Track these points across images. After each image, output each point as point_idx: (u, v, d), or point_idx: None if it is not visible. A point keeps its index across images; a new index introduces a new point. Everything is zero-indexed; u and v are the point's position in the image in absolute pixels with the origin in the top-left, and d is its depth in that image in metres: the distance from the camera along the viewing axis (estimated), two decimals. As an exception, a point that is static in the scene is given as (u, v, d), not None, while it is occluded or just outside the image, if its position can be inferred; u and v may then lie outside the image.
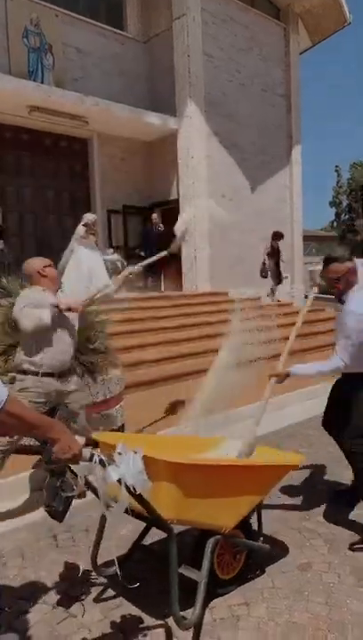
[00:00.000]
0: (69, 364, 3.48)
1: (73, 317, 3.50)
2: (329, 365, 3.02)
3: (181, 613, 2.09)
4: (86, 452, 1.73)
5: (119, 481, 1.76)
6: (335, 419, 3.21)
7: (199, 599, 2.17)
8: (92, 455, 1.76)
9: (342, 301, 3.09)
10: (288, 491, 3.63)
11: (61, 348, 3.37)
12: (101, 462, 1.77)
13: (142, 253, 10.87)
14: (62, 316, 3.33)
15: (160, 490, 2.04)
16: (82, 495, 2.96)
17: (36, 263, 3.49)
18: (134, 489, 1.78)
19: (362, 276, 3.05)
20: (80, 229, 8.50)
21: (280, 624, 2.27)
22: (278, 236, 11.53)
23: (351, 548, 2.87)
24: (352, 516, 3.21)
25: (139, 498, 1.85)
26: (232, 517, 2.39)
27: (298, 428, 5.09)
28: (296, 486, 3.70)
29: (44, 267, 3.47)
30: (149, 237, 11.11)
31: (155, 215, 11.52)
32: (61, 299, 3.41)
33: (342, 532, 3.04)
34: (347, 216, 32.30)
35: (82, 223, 8.40)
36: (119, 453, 1.82)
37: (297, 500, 3.50)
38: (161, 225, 11.16)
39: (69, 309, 3.33)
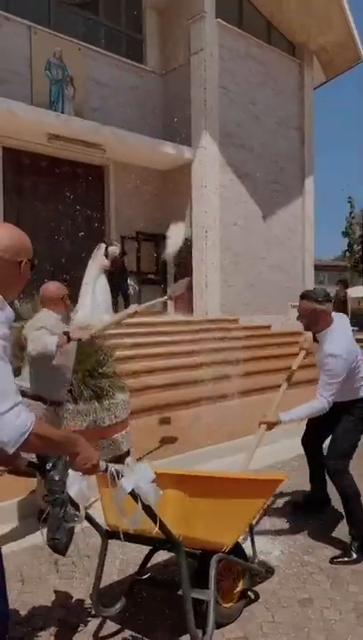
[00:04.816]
0: (64, 396, 3.56)
1: (72, 349, 3.55)
2: (316, 407, 3.15)
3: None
4: (103, 463, 1.77)
5: (132, 494, 1.81)
6: (315, 438, 3.60)
7: (211, 617, 2.18)
8: (108, 467, 1.80)
9: (316, 340, 3.34)
10: (290, 524, 3.60)
11: (59, 378, 3.45)
12: (117, 473, 1.82)
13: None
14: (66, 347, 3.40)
15: (166, 504, 2.08)
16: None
17: (57, 289, 3.55)
18: (146, 500, 1.84)
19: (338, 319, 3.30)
20: (105, 262, 8.76)
21: (279, 660, 2.23)
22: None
23: (332, 561, 3.05)
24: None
25: (148, 510, 1.90)
26: (231, 534, 2.45)
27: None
28: (298, 520, 3.67)
29: (64, 296, 3.55)
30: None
31: (113, 248, 9.91)
32: (73, 329, 3.50)
33: (344, 567, 3.00)
34: (360, 246, 32.34)
35: (103, 253, 8.68)
36: (127, 465, 1.89)
37: (299, 534, 3.46)
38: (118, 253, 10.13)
39: (80, 339, 3.40)
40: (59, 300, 3.53)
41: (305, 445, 3.73)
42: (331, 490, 3.50)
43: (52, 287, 3.56)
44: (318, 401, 3.13)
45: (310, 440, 3.68)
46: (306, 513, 3.71)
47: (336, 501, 3.82)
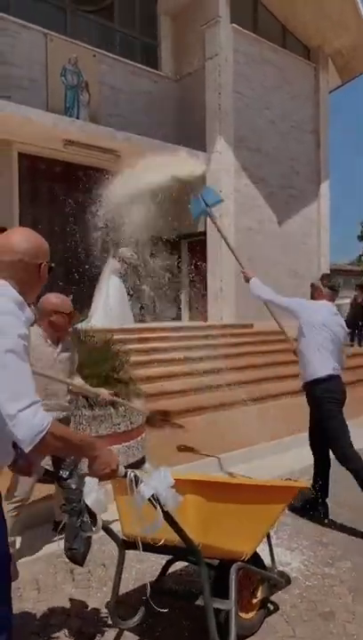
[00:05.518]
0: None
1: (63, 359, 3.32)
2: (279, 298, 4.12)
3: None
4: (122, 468, 1.73)
5: (151, 500, 1.78)
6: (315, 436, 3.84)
7: (232, 627, 2.13)
8: (127, 472, 1.77)
9: None
10: (310, 536, 3.52)
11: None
12: (136, 479, 1.78)
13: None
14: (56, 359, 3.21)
15: (185, 512, 2.04)
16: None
17: (51, 303, 3.22)
18: (165, 506, 1.81)
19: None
20: (116, 264, 8.82)
21: None
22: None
23: None
24: None
25: (167, 516, 1.86)
26: (251, 542, 2.39)
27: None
28: (318, 531, 3.59)
29: (55, 312, 3.21)
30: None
31: (124, 250, 9.59)
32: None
33: (367, 580, 2.93)
34: (375, 250, 32.08)
35: (116, 258, 8.76)
36: (146, 472, 1.86)
37: (317, 545, 3.38)
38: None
39: None
40: (50, 313, 3.19)
41: (312, 444, 3.94)
42: (338, 497, 3.51)
43: (48, 300, 3.25)
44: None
45: (314, 438, 3.89)
46: (304, 515, 3.76)
47: (347, 507, 3.75)
